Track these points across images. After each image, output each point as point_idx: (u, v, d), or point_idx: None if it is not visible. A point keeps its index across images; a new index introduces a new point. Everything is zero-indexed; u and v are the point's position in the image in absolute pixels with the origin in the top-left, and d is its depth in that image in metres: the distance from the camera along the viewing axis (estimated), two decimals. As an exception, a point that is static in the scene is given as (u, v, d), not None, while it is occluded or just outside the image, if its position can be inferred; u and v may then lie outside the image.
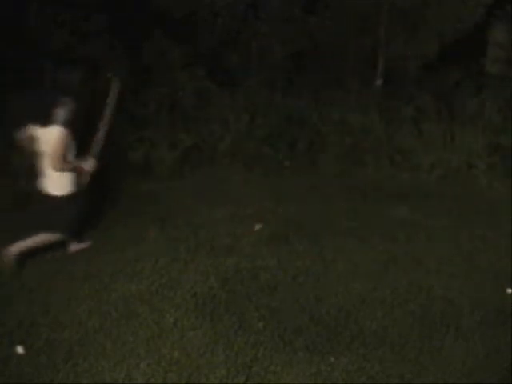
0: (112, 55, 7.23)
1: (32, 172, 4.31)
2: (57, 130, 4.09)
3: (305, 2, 8.01)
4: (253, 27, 8.02)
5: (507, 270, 4.19)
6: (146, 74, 7.33)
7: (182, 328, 3.39)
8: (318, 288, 3.90)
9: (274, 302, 3.69)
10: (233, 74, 7.83)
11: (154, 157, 6.36)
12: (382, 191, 5.98)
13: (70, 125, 4.12)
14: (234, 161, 6.68)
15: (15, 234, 4.17)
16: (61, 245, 4.34)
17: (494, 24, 8.43)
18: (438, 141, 6.79)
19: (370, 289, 3.89)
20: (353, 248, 4.53)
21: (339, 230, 4.87)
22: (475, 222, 5.13)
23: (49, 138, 4.09)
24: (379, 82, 8.17)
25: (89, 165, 4.27)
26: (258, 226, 4.90)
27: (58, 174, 4.13)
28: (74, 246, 4.48)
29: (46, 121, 4.09)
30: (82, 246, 4.51)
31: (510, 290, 3.91)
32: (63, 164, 4.10)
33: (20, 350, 3.16)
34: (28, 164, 4.40)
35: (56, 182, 4.17)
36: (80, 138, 4.29)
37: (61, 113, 4.10)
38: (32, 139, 4.17)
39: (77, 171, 4.22)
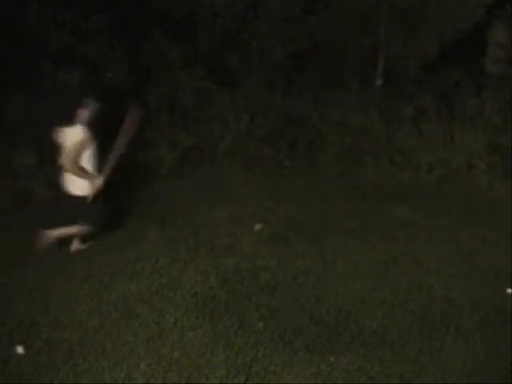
0: (112, 55, 7.23)
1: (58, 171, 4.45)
2: (79, 130, 4.21)
3: (305, 2, 8.01)
4: (253, 27, 8.02)
5: (507, 270, 4.19)
6: (146, 73, 7.33)
7: (182, 328, 3.39)
8: (318, 288, 3.90)
9: (274, 302, 3.69)
10: (233, 74, 7.83)
11: (154, 157, 6.37)
12: (382, 191, 5.98)
13: (92, 125, 4.26)
14: (234, 161, 6.68)
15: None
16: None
17: (493, 24, 8.43)
18: (438, 141, 6.79)
19: (370, 289, 3.89)
20: (353, 248, 4.53)
21: (339, 230, 4.86)
22: (475, 222, 5.13)
23: (70, 138, 4.22)
24: (379, 82, 8.17)
25: (97, 182, 4.34)
26: (257, 226, 4.90)
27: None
28: (75, 246, 4.49)
29: (70, 121, 4.23)
30: (83, 246, 4.52)
31: (510, 290, 3.91)
32: (75, 167, 4.21)
33: (20, 349, 3.16)
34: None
35: (75, 183, 4.31)
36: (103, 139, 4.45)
37: (84, 114, 4.25)
38: (59, 139, 4.30)
39: (85, 179, 4.30)
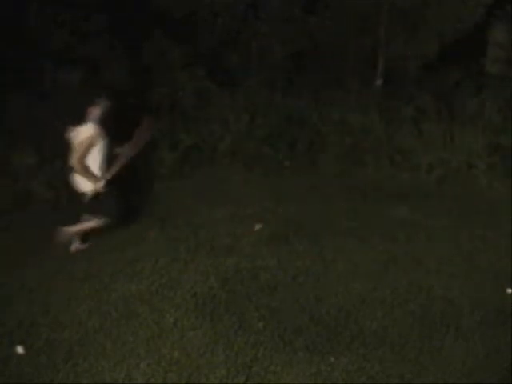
0: (112, 55, 7.24)
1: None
2: (89, 128, 4.29)
3: (305, 2, 8.02)
4: (253, 27, 8.02)
5: (507, 270, 4.18)
6: (146, 73, 7.33)
7: (182, 328, 3.39)
8: (318, 288, 3.90)
9: (274, 302, 3.69)
10: (233, 74, 7.83)
11: (154, 157, 6.37)
12: (382, 191, 5.97)
13: (103, 124, 4.36)
14: (234, 161, 6.68)
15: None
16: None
17: (494, 24, 8.43)
18: (438, 141, 6.79)
19: (370, 289, 3.89)
20: (353, 248, 4.53)
21: (339, 230, 4.86)
22: (475, 222, 5.12)
23: (80, 135, 4.30)
24: (379, 82, 8.17)
25: (98, 184, 4.39)
26: (258, 226, 4.90)
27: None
28: (76, 246, 4.50)
29: (81, 120, 4.32)
30: (83, 246, 4.52)
31: (510, 290, 3.91)
32: (80, 165, 4.27)
33: (20, 349, 3.17)
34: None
35: (83, 181, 4.40)
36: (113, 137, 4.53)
37: (95, 112, 4.34)
38: (70, 138, 4.38)
39: (87, 179, 4.35)
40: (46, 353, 3.15)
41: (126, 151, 4.57)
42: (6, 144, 5.80)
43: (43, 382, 2.94)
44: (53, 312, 3.55)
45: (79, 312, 3.55)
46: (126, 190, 4.73)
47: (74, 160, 4.29)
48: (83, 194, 4.44)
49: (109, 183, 4.45)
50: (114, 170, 4.49)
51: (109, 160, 4.48)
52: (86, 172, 4.33)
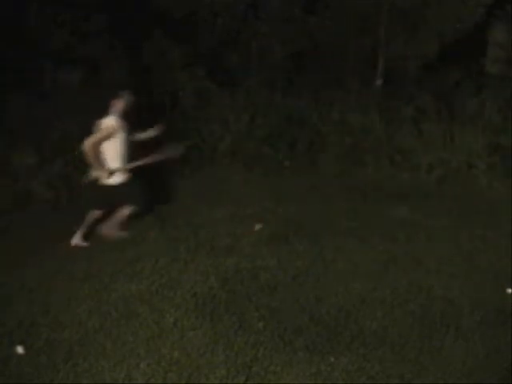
0: (112, 55, 7.25)
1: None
2: (111, 119, 4.43)
3: (305, 2, 8.02)
4: (253, 27, 8.02)
5: (507, 270, 4.19)
6: (146, 73, 7.33)
7: (182, 328, 3.39)
8: (318, 288, 3.90)
9: (274, 302, 3.69)
10: (233, 74, 7.83)
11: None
12: (382, 191, 5.97)
13: (126, 117, 4.51)
14: (234, 161, 6.68)
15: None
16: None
17: (494, 24, 8.44)
18: (438, 141, 6.79)
19: (370, 289, 3.89)
20: (353, 248, 4.53)
21: (339, 230, 4.86)
22: (475, 222, 5.12)
23: (102, 126, 4.43)
24: (379, 82, 8.17)
25: (103, 175, 4.46)
26: (258, 226, 4.90)
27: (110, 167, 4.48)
28: (76, 242, 4.53)
29: (104, 112, 4.48)
30: (84, 244, 4.55)
31: (510, 290, 3.91)
32: (92, 150, 4.34)
33: (20, 349, 3.16)
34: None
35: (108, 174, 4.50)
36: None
37: (118, 105, 4.49)
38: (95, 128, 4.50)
39: (95, 165, 4.41)
40: (46, 353, 3.15)
41: (146, 159, 4.74)
42: (6, 144, 5.80)
43: (43, 382, 2.94)
44: (53, 312, 3.55)
45: (79, 312, 3.55)
46: (148, 178, 4.86)
47: (86, 143, 4.34)
48: (113, 186, 4.53)
49: (132, 173, 4.61)
50: (136, 165, 4.63)
51: (130, 152, 4.61)
52: (95, 158, 4.39)
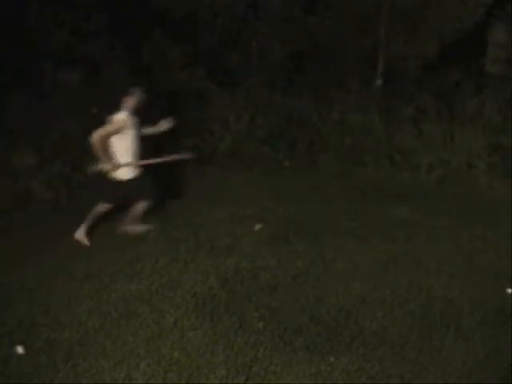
0: (112, 55, 7.25)
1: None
2: (122, 115, 4.48)
3: (305, 2, 8.02)
4: (253, 27, 8.02)
5: (507, 270, 4.19)
6: (146, 73, 7.33)
7: (182, 328, 3.39)
8: (318, 288, 3.90)
9: (274, 302, 3.69)
10: (233, 74, 7.83)
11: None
12: (382, 191, 5.98)
13: (137, 113, 4.57)
14: (234, 161, 6.68)
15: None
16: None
17: (493, 24, 8.43)
18: (438, 141, 6.79)
19: (370, 289, 3.89)
20: (353, 248, 4.53)
21: (339, 230, 4.87)
22: (475, 222, 5.12)
23: (112, 120, 4.46)
24: (379, 82, 8.17)
25: (108, 167, 4.49)
26: (258, 226, 4.90)
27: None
28: (80, 236, 4.57)
29: (116, 108, 4.51)
30: (86, 241, 4.58)
31: (510, 290, 3.91)
32: (100, 142, 4.36)
33: (20, 349, 3.16)
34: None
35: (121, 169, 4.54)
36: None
37: (130, 101, 4.53)
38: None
39: (101, 157, 4.43)
40: (46, 353, 3.15)
41: (158, 159, 4.79)
42: (6, 144, 5.80)
43: (43, 382, 2.94)
44: (53, 312, 3.55)
45: (79, 312, 3.55)
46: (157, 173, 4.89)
47: (95, 134, 4.35)
48: (124, 181, 4.57)
49: (142, 168, 4.67)
50: (148, 163, 4.68)
51: (140, 148, 4.65)
52: (103, 150, 4.40)
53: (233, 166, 6.57)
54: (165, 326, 3.41)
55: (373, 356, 3.17)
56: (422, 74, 7.95)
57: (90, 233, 4.64)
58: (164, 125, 4.98)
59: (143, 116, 4.66)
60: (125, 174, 4.57)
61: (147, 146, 4.78)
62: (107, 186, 4.63)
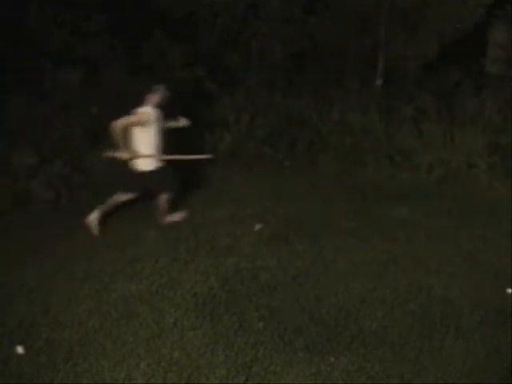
0: (112, 55, 7.24)
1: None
2: (147, 108, 4.60)
3: (305, 2, 8.01)
4: (253, 27, 8.01)
5: (507, 270, 4.19)
6: (146, 74, 7.33)
7: (182, 328, 3.39)
8: (318, 288, 3.90)
9: (274, 302, 3.69)
10: (233, 74, 7.82)
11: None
12: (382, 191, 5.98)
13: (161, 110, 4.68)
14: (234, 161, 6.67)
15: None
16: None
17: (493, 24, 8.43)
18: (438, 141, 6.79)
19: (370, 289, 3.90)
20: (353, 248, 4.53)
21: (339, 230, 4.87)
22: (475, 222, 5.13)
23: (136, 114, 4.58)
24: (379, 82, 8.16)
25: (124, 156, 4.58)
26: (258, 226, 4.90)
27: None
28: (91, 219, 4.65)
29: (140, 104, 4.64)
30: (95, 229, 4.67)
31: (510, 290, 3.92)
32: (121, 131, 4.44)
33: (20, 349, 3.17)
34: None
35: (143, 160, 4.65)
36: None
37: (154, 98, 4.65)
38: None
39: (118, 145, 4.51)
40: (46, 353, 3.15)
41: (178, 157, 4.92)
42: (6, 144, 5.80)
43: (43, 382, 2.94)
44: (53, 312, 3.55)
45: (79, 312, 3.55)
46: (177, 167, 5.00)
47: (117, 122, 4.42)
48: (146, 172, 4.65)
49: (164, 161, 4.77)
50: (168, 157, 4.79)
51: (163, 143, 4.74)
52: (123, 140, 4.48)
53: (233, 166, 6.56)
54: (165, 326, 3.41)
55: (373, 356, 3.17)
56: (422, 74, 7.94)
57: (102, 222, 4.70)
58: (184, 121, 5.13)
59: (167, 113, 4.77)
60: (147, 165, 4.67)
61: (170, 142, 4.88)
62: (128, 176, 4.72)
